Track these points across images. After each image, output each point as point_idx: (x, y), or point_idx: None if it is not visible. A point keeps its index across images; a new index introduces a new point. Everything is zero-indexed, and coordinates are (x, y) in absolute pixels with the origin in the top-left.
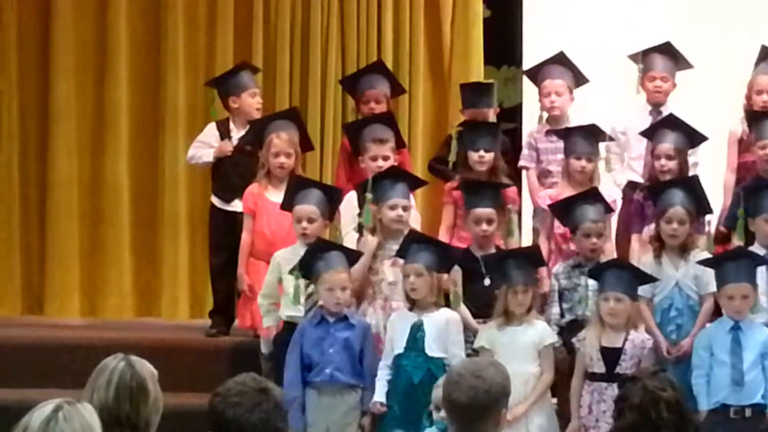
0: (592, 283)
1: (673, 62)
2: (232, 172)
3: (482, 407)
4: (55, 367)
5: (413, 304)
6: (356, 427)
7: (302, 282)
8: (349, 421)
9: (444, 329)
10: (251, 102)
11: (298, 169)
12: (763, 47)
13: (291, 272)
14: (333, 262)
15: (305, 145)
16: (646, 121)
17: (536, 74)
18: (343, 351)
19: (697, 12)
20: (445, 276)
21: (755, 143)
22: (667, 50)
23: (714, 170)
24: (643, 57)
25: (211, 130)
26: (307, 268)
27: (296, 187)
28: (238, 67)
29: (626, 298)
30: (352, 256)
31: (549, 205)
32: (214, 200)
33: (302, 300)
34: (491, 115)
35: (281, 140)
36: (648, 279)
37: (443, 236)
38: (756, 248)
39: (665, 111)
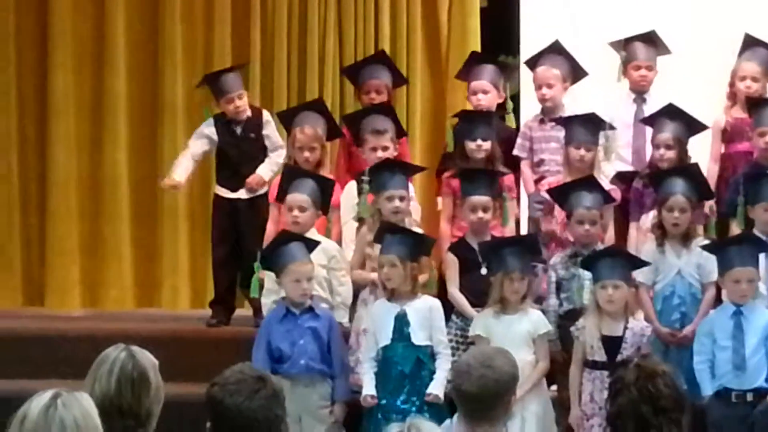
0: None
1: (655, 50)
2: (239, 163)
3: (492, 396)
4: (57, 359)
5: (392, 294)
6: (329, 414)
7: (267, 274)
8: (323, 410)
9: (428, 316)
10: (229, 108)
11: (326, 160)
12: (747, 35)
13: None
14: (296, 253)
15: (333, 132)
16: (631, 110)
17: (534, 64)
18: (313, 341)
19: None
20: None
21: (754, 130)
22: (650, 38)
23: (695, 160)
24: (625, 45)
25: (209, 126)
26: (270, 261)
27: (290, 176)
28: (219, 72)
29: (623, 284)
30: (312, 245)
31: (548, 190)
32: (219, 190)
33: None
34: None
35: (305, 135)
36: (640, 264)
37: (444, 227)
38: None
39: (649, 98)
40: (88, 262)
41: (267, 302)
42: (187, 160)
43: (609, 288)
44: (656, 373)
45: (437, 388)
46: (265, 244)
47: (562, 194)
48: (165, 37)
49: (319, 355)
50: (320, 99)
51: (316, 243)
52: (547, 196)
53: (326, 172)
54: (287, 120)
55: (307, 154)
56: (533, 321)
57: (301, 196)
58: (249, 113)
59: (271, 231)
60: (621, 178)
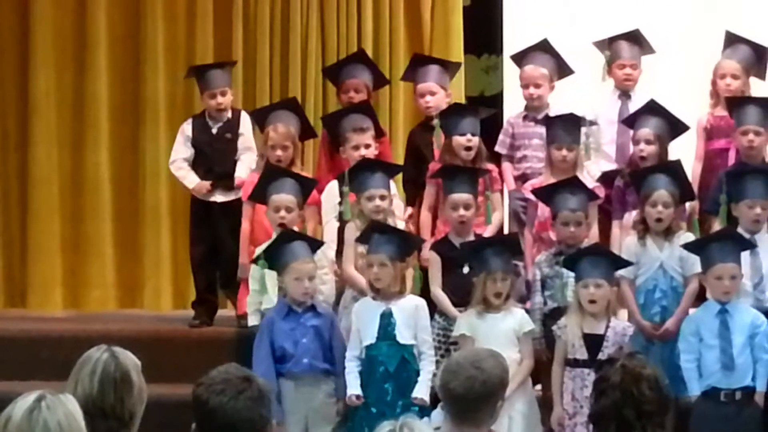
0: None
1: (640, 48)
2: (213, 163)
3: (478, 398)
4: (39, 360)
5: (377, 293)
6: (334, 412)
7: (268, 272)
8: (328, 408)
9: (413, 315)
10: (210, 103)
11: (297, 159)
12: (728, 33)
13: (255, 261)
14: (299, 252)
15: (306, 132)
16: (615, 107)
17: (520, 60)
18: (315, 340)
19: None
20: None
21: (736, 129)
22: (634, 37)
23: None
24: (610, 44)
25: (185, 127)
26: (273, 259)
27: (270, 176)
28: (207, 66)
29: (605, 283)
30: (315, 245)
31: (533, 191)
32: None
33: (271, 290)
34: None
35: (277, 134)
36: (623, 263)
37: (424, 216)
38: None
39: (634, 97)
40: (70, 261)
41: (253, 302)
42: (186, 168)
43: (591, 287)
44: (641, 377)
45: (422, 391)
46: (241, 242)
47: (547, 195)
48: (147, 36)
49: (322, 353)
50: (293, 98)
51: (320, 243)
52: (529, 195)
53: (298, 170)
54: (261, 119)
55: (279, 152)
56: (517, 319)
57: (288, 197)
58: (230, 114)
59: (246, 230)
60: (606, 179)
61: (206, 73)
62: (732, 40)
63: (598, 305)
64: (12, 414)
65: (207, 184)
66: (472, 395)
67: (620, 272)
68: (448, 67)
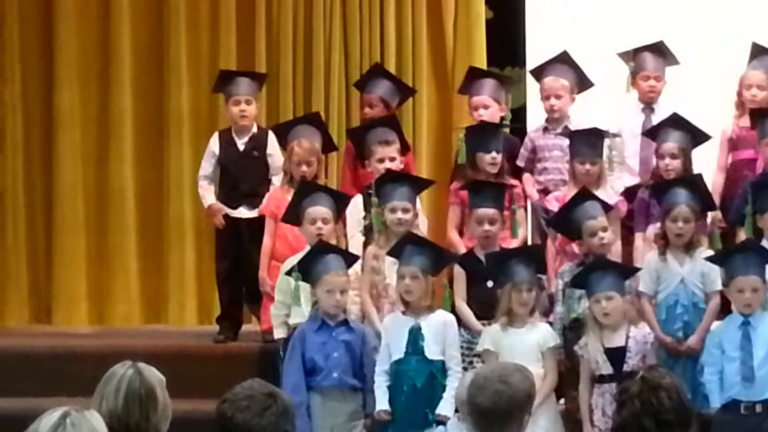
0: None
1: (664, 60)
2: (239, 179)
3: (505, 412)
4: (64, 376)
5: (407, 307)
6: (361, 429)
7: (302, 284)
8: (355, 424)
9: (442, 331)
10: (234, 110)
11: (321, 173)
12: (754, 44)
13: (289, 273)
14: (332, 264)
15: (328, 146)
16: (639, 120)
17: (540, 73)
18: (346, 354)
19: (693, 10)
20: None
21: (760, 140)
22: (659, 49)
23: (699, 171)
24: (634, 56)
25: (212, 143)
26: (306, 271)
27: (305, 192)
28: (235, 72)
29: (616, 294)
30: (351, 259)
31: (548, 222)
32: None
33: (304, 303)
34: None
35: (302, 149)
36: (631, 272)
37: (451, 235)
38: (764, 245)
39: (657, 109)
40: (95, 277)
41: (278, 314)
42: (207, 186)
43: (602, 301)
44: (660, 386)
45: (446, 408)
46: (262, 257)
47: (563, 220)
48: (170, 52)
49: (352, 368)
50: (316, 113)
51: (356, 257)
52: (552, 207)
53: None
54: (283, 134)
55: (304, 168)
56: (542, 334)
57: (323, 209)
58: (255, 129)
59: (267, 245)
60: (628, 193)
61: (234, 79)
62: (758, 51)
63: (612, 317)
64: (38, 430)
65: (217, 207)
66: (500, 410)
67: (640, 288)
68: (505, 82)
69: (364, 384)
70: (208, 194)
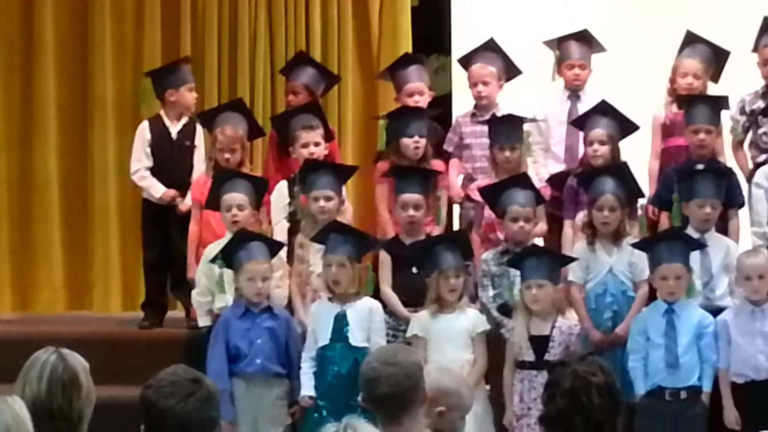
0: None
1: (589, 48)
2: (170, 168)
3: (406, 391)
4: None
5: (333, 294)
6: (285, 415)
7: (226, 271)
8: (278, 411)
9: (367, 318)
10: (189, 96)
11: (246, 160)
12: (688, 32)
13: (213, 261)
14: (254, 252)
15: (255, 132)
16: (564, 107)
17: (467, 61)
18: (270, 341)
19: None
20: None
21: (687, 127)
22: (583, 37)
23: (634, 156)
24: (559, 44)
25: (143, 132)
26: (229, 258)
27: (222, 179)
28: (179, 61)
29: (548, 283)
30: (275, 247)
31: (479, 190)
32: (148, 195)
33: (228, 289)
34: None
35: (225, 137)
36: (566, 260)
37: (383, 213)
38: (690, 232)
39: (583, 96)
40: (19, 265)
41: (202, 301)
42: (149, 177)
43: (533, 288)
44: (591, 384)
45: None
46: (189, 244)
47: (493, 194)
48: (94, 39)
49: (276, 355)
50: (240, 99)
51: (281, 245)
52: (476, 196)
53: (247, 171)
54: (208, 121)
55: (227, 155)
56: (471, 319)
57: (239, 195)
58: (186, 119)
59: (194, 232)
60: (553, 180)
61: (178, 70)
62: (692, 39)
63: (541, 304)
64: None
65: (173, 192)
66: (401, 391)
67: (570, 277)
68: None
69: (291, 370)
70: (156, 183)
